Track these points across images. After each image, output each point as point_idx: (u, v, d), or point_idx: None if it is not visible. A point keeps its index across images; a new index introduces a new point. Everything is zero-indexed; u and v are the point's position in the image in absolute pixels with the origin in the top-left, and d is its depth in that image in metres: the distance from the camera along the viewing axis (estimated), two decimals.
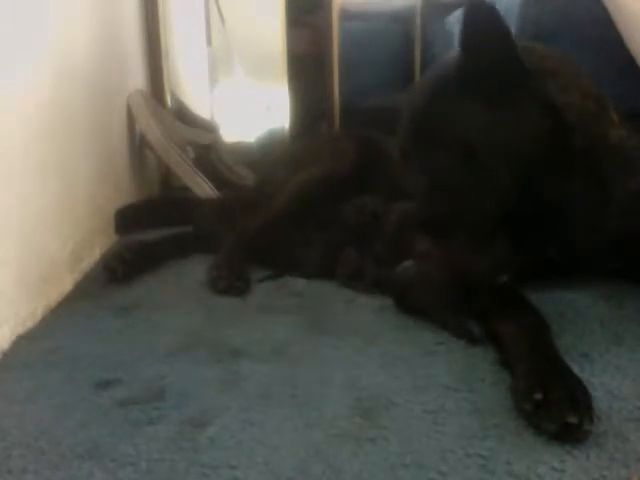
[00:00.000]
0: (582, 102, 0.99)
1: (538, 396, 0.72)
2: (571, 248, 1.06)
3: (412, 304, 1.04)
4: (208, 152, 2.21)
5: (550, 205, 1.00)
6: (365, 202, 1.31)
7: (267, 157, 2.14)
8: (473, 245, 1.00)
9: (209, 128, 2.30)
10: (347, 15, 2.94)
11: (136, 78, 2.01)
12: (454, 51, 0.99)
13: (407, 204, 1.11)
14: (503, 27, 0.93)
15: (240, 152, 2.31)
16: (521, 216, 0.99)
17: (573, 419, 0.69)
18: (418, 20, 3.28)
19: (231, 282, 1.21)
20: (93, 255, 1.42)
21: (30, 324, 1.06)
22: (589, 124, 0.99)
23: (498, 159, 0.96)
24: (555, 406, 0.71)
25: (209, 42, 2.31)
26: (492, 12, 0.92)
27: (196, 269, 1.32)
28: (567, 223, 1.03)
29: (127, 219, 1.64)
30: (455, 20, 2.77)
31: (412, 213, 1.06)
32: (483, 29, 0.93)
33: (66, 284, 1.24)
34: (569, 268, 1.10)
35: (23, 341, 1.01)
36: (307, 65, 2.49)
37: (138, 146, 1.94)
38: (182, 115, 2.24)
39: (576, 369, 0.80)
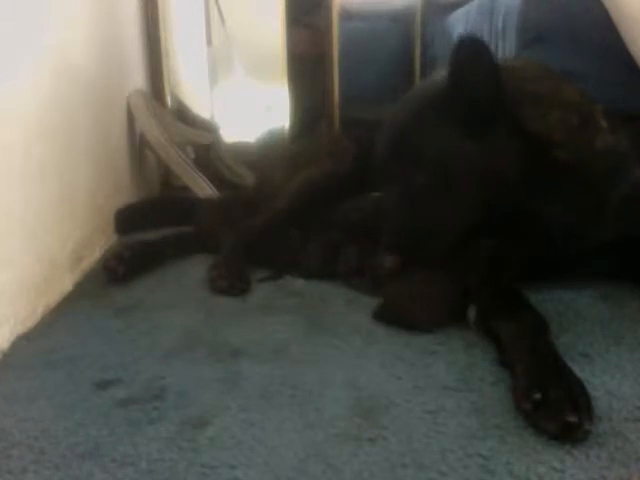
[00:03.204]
0: (564, 119, 1.01)
1: (537, 396, 0.73)
2: (567, 251, 1.07)
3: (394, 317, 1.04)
4: (208, 152, 2.21)
5: (538, 214, 1.02)
6: (365, 202, 1.31)
7: (267, 157, 2.14)
8: (439, 261, 1.02)
9: (209, 128, 2.30)
10: (347, 15, 2.94)
11: (136, 78, 2.01)
12: (442, 72, 1.01)
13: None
14: (490, 63, 0.96)
15: (240, 152, 2.31)
16: (506, 227, 1.01)
17: (573, 418, 0.69)
18: (418, 20, 3.28)
19: (231, 282, 1.21)
20: (93, 255, 1.42)
21: (30, 324, 1.06)
22: (572, 139, 1.00)
23: (473, 183, 0.99)
24: (555, 406, 0.71)
25: (209, 42, 2.31)
26: (482, 48, 0.95)
27: (196, 269, 1.32)
28: (559, 229, 1.04)
29: (127, 219, 1.63)
30: (455, 20, 2.78)
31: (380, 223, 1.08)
32: (471, 63, 0.95)
33: (66, 284, 1.24)
34: (569, 269, 1.11)
35: (23, 341, 1.01)
36: (307, 65, 2.49)
37: (138, 146, 1.94)
38: (182, 115, 2.24)
39: (576, 369, 0.80)
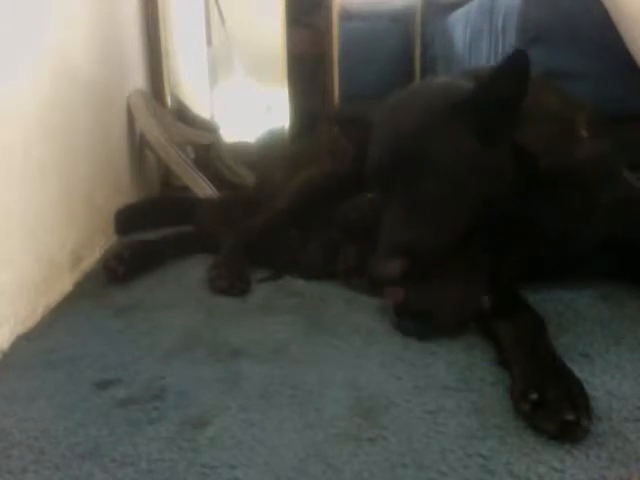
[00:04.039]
0: (542, 132, 1.01)
1: (534, 396, 0.73)
2: (564, 252, 1.07)
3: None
4: (208, 152, 2.21)
5: (534, 215, 1.03)
6: (365, 201, 1.30)
7: (267, 157, 2.14)
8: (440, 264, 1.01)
9: (209, 128, 2.30)
10: (347, 15, 2.95)
11: (136, 78, 2.01)
12: (440, 78, 1.00)
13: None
14: (528, 76, 0.95)
15: (240, 152, 2.31)
16: (505, 228, 1.02)
17: (571, 416, 0.70)
18: (418, 20, 3.29)
19: (231, 282, 1.21)
20: (93, 255, 1.42)
21: (30, 324, 1.06)
22: (552, 150, 1.01)
23: (478, 185, 0.98)
24: (553, 406, 0.71)
25: (209, 42, 2.32)
26: (525, 60, 0.94)
27: (196, 269, 1.32)
28: (554, 230, 1.05)
29: (127, 219, 1.64)
30: (455, 20, 2.78)
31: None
32: (513, 74, 0.95)
33: (66, 284, 1.24)
34: (568, 269, 1.11)
35: (23, 341, 1.01)
36: (307, 65, 2.49)
37: (138, 146, 1.94)
38: (182, 115, 2.24)
39: (576, 369, 0.80)
